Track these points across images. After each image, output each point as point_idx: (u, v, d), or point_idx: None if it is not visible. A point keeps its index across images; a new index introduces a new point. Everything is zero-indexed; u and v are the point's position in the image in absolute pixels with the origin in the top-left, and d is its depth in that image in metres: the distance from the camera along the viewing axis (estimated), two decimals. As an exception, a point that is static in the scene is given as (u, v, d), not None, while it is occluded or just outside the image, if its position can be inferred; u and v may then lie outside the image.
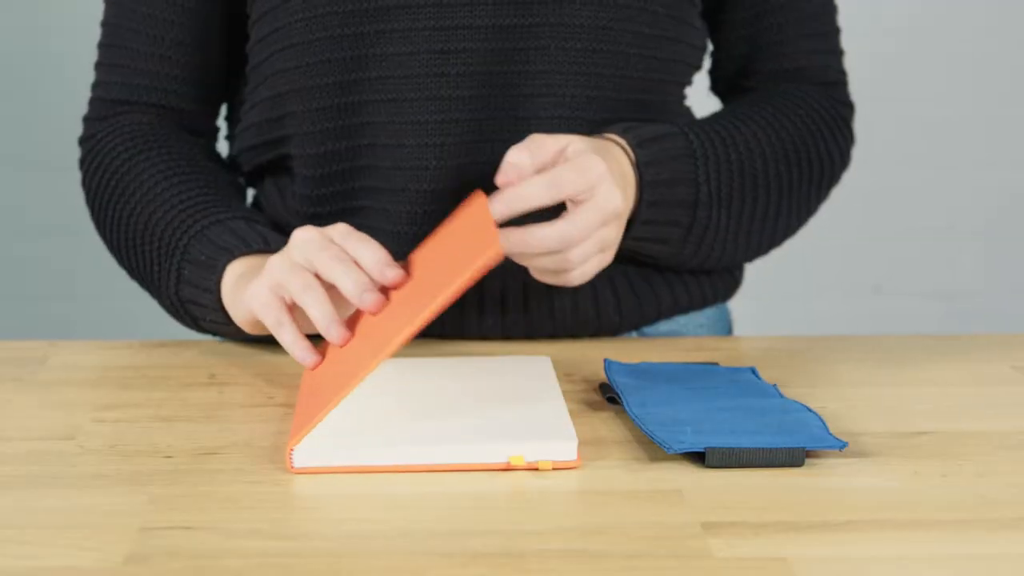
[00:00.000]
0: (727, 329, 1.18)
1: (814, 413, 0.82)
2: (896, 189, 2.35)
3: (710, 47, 1.13)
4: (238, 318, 0.92)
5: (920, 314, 2.39)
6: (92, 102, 1.08)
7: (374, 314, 0.82)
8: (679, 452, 0.76)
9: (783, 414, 0.81)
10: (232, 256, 0.94)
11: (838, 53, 1.13)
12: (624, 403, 0.83)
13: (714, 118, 1.04)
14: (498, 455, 0.75)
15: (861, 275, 2.38)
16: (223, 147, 1.13)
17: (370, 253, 0.84)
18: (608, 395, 0.86)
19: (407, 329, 0.76)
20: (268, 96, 1.03)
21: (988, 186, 2.37)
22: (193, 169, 1.03)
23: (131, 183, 1.02)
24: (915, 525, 0.69)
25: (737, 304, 1.17)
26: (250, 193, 1.16)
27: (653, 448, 0.79)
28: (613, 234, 0.92)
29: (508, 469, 0.75)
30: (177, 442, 0.80)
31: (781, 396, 0.85)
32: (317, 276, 0.84)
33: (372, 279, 0.83)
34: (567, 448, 0.76)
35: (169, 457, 0.78)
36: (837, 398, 0.88)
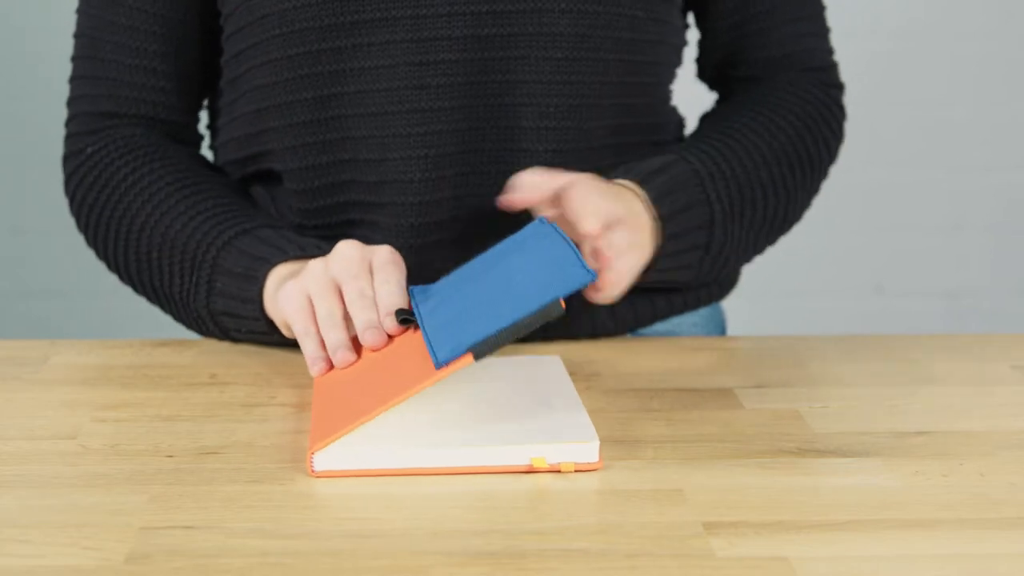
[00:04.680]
0: (721, 327, 1.18)
1: (565, 243, 0.81)
2: (899, 189, 2.35)
3: (696, 35, 1.13)
4: (278, 320, 0.93)
5: (922, 313, 2.39)
6: (75, 117, 1.06)
7: (373, 351, 0.84)
8: (446, 363, 0.75)
9: (536, 262, 0.82)
10: (271, 265, 0.94)
11: (826, 35, 1.13)
12: (417, 315, 0.83)
13: (710, 133, 1.04)
14: (520, 457, 0.75)
15: (863, 274, 2.38)
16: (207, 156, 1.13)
17: (384, 296, 0.85)
18: (402, 317, 0.85)
19: (441, 373, 0.76)
20: (247, 111, 1.03)
21: (992, 186, 2.37)
22: (200, 179, 1.02)
23: (137, 196, 1.01)
24: (916, 525, 0.69)
25: (737, 303, 1.17)
26: None
27: (655, 447, 0.79)
28: (620, 239, 0.91)
29: (531, 471, 0.75)
30: (178, 442, 0.80)
31: (545, 235, 0.85)
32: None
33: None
34: (589, 449, 0.76)
35: (170, 456, 0.78)
36: (837, 398, 0.88)
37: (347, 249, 0.87)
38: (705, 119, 1.12)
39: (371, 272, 0.87)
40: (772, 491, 0.73)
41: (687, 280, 1.02)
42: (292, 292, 0.88)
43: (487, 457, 0.75)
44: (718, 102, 1.15)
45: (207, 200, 1.00)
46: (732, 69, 1.13)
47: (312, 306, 0.87)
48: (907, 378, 0.93)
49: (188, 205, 0.99)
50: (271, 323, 0.94)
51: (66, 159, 1.06)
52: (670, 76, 1.08)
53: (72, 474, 0.75)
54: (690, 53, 1.13)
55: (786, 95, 1.08)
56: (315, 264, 0.88)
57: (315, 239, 0.98)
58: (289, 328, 0.91)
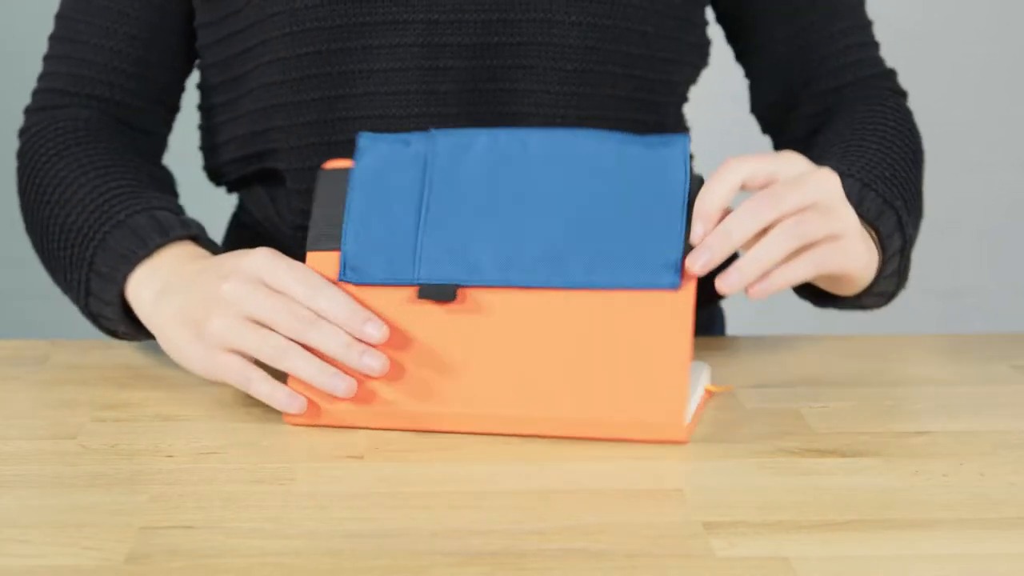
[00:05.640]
0: (721, 327, 1.18)
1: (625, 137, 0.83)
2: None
3: (745, 62, 1.10)
4: (179, 362, 0.86)
5: (922, 313, 2.39)
6: (36, 93, 1.05)
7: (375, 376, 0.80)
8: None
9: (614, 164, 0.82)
10: (131, 265, 0.89)
11: (876, 41, 1.09)
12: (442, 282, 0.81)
13: (865, 146, 0.97)
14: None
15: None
16: (196, 157, 1.11)
17: (334, 309, 0.80)
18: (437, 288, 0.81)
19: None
20: (253, 109, 1.02)
21: (992, 185, 2.37)
22: (113, 163, 0.97)
23: (50, 182, 0.97)
24: (916, 525, 0.69)
25: (737, 303, 1.17)
26: (233, 197, 1.15)
27: (654, 447, 0.78)
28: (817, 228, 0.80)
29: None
30: (178, 441, 0.80)
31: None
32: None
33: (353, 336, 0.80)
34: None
35: (170, 456, 0.78)
36: (837, 398, 0.88)
37: (228, 286, 0.81)
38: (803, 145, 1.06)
39: (275, 288, 0.81)
40: (772, 491, 0.73)
41: (891, 294, 0.96)
42: (206, 358, 0.82)
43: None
44: (792, 138, 1.09)
45: (106, 183, 0.94)
46: (801, 89, 1.06)
47: (240, 359, 0.81)
48: (907, 378, 0.93)
49: (86, 191, 0.94)
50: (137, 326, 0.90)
51: (20, 134, 1.05)
52: (682, 95, 1.07)
53: (72, 474, 0.75)
54: (719, 81, 1.09)
55: (875, 107, 1.03)
56: (214, 320, 0.81)
57: (180, 218, 0.92)
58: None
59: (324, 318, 0.81)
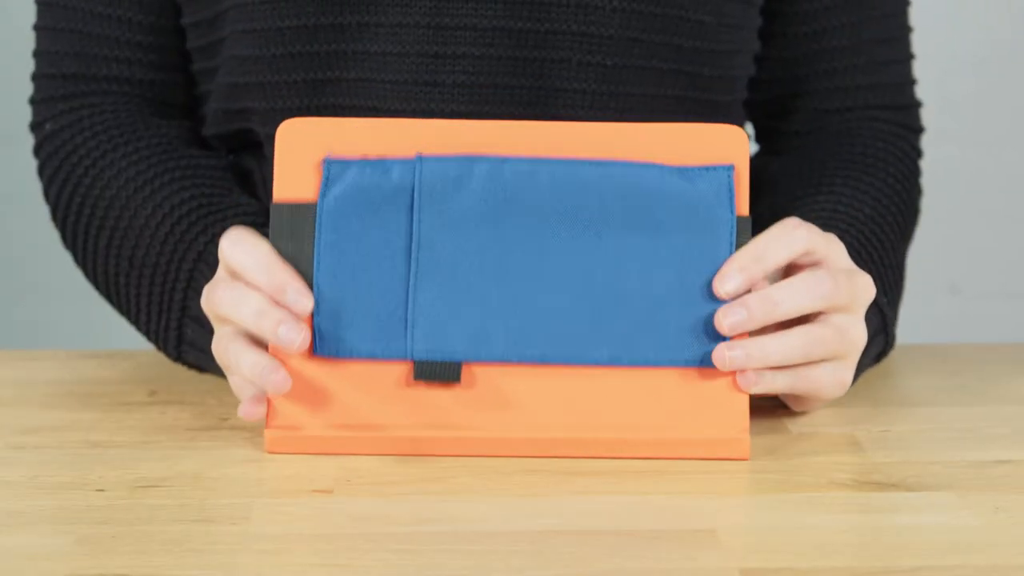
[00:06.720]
0: None
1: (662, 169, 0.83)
2: (981, 176, 2.35)
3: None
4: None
5: (1005, 318, 2.39)
6: (39, 79, 1.05)
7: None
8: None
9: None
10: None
11: (911, 63, 1.10)
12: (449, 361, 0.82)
13: (811, 208, 0.99)
14: None
15: (936, 272, 2.38)
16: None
17: (250, 259, 0.82)
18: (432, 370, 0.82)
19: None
20: (227, 83, 1.01)
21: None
22: (165, 168, 0.99)
23: (99, 202, 0.98)
24: (996, 571, 0.68)
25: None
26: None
27: (682, 477, 0.79)
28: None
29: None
30: (111, 473, 0.80)
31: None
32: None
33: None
34: None
35: (101, 491, 0.78)
36: (901, 419, 0.88)
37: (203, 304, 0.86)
38: (780, 181, 1.07)
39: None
40: (823, 532, 0.73)
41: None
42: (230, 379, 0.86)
43: None
44: (776, 153, 1.11)
45: (174, 197, 0.97)
46: (798, 100, 1.09)
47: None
48: (987, 396, 0.93)
49: (147, 214, 0.96)
50: None
51: (32, 128, 1.05)
52: (743, 91, 1.06)
53: (-17, 512, 0.75)
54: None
55: (878, 156, 1.04)
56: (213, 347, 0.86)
57: None
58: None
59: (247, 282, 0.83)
